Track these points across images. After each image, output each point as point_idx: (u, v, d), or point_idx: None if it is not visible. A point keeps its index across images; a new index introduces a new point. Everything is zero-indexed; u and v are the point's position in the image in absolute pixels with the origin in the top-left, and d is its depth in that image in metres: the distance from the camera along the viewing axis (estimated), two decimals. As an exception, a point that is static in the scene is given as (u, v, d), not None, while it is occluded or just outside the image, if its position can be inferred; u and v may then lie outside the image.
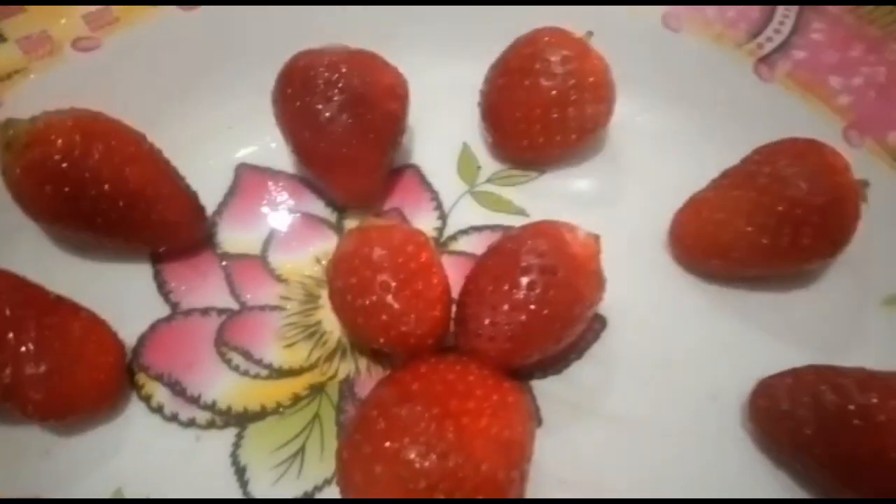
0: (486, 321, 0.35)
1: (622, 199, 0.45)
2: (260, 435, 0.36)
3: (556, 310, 0.34)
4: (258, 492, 0.34)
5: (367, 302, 0.34)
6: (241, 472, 0.35)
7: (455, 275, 0.37)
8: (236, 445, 0.35)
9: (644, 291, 0.41)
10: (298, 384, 0.37)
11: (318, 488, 0.34)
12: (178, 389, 0.37)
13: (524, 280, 0.34)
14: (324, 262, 0.41)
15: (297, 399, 0.37)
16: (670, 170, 0.45)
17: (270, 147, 0.45)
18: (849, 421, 0.33)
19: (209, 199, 0.42)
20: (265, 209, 0.43)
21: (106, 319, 0.36)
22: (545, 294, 0.34)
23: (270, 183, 0.44)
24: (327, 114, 0.39)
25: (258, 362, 0.38)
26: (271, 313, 0.39)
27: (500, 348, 0.34)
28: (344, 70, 0.39)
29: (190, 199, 0.40)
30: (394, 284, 0.34)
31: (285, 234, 0.42)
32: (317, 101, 0.39)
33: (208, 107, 0.46)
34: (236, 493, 0.34)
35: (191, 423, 0.36)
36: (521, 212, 0.44)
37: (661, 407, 0.37)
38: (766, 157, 0.40)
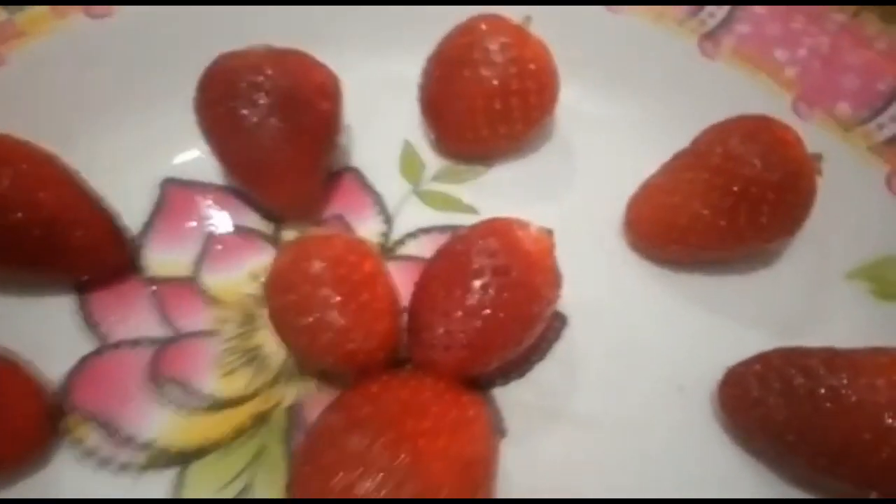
0: (440, 330, 0.32)
1: (574, 189, 0.43)
2: (202, 473, 0.33)
3: (512, 312, 0.32)
4: (204, 535, 0.31)
5: (310, 320, 0.31)
6: (184, 514, 0.32)
7: (405, 281, 0.35)
8: (178, 486, 0.32)
9: (603, 284, 0.39)
10: (241, 414, 0.34)
11: (269, 526, 0.32)
12: (111, 430, 0.33)
13: (476, 283, 0.32)
14: (262, 279, 0.38)
15: (240, 431, 0.34)
16: (621, 155, 0.43)
17: (198, 159, 0.41)
18: (820, 405, 0.31)
19: (134, 220, 0.39)
20: (195, 226, 0.40)
21: (28, 359, 0.33)
22: (500, 296, 0.32)
23: (199, 197, 0.41)
24: (254, 119, 0.36)
25: (196, 394, 0.35)
26: (207, 339, 0.36)
27: (456, 358, 0.32)
28: (269, 71, 0.37)
29: (110, 222, 0.37)
30: (337, 299, 0.31)
31: (218, 251, 0.39)
32: (241, 105, 0.36)
33: (128, 121, 0.42)
34: (181, 539, 0.31)
35: (126, 467, 0.33)
36: (470, 209, 0.42)
37: (628, 403, 0.36)
38: (716, 136, 0.38)
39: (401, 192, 0.42)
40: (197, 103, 0.38)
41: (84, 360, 0.35)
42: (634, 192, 0.40)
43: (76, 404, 0.34)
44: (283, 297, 0.32)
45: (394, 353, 0.34)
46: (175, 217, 0.40)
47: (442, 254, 0.35)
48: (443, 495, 0.27)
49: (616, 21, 0.47)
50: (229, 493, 0.32)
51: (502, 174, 0.43)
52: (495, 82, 0.40)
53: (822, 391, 0.32)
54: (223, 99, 0.37)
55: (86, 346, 0.36)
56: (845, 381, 0.31)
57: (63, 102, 0.42)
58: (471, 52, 0.40)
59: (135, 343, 0.36)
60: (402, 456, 0.27)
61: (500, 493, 0.32)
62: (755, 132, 0.37)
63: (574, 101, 0.44)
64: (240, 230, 0.40)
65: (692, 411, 0.36)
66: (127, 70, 0.43)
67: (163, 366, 0.35)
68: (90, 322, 0.36)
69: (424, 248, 0.40)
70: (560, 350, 0.37)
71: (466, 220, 0.37)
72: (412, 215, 0.41)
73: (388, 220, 0.41)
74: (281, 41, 0.39)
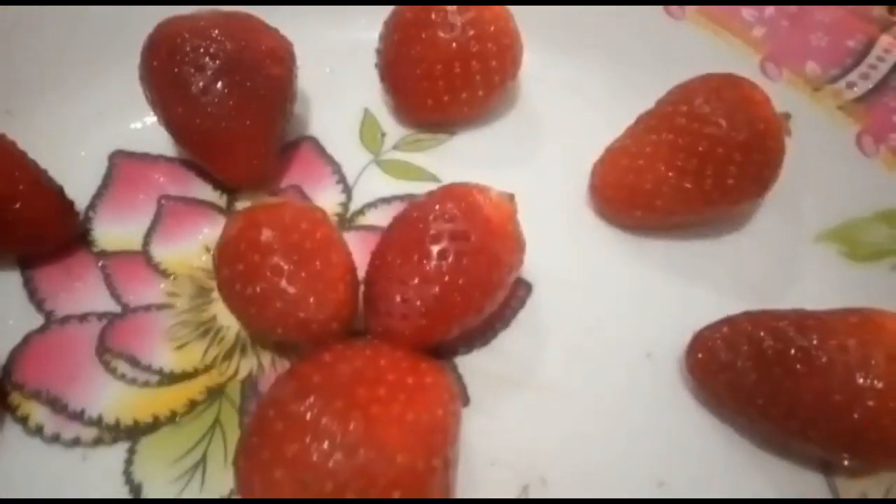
0: (397, 298, 0.32)
1: (539, 156, 0.42)
2: (154, 448, 0.32)
3: (472, 278, 0.32)
4: (156, 511, 0.31)
5: (258, 289, 0.31)
6: (136, 489, 0.31)
7: (364, 252, 0.34)
8: (129, 462, 0.32)
9: (568, 251, 0.39)
10: (194, 388, 0.33)
11: (227, 499, 0.31)
12: (58, 406, 0.33)
13: (434, 249, 0.32)
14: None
15: (193, 405, 0.33)
16: (586, 121, 0.43)
17: (146, 130, 0.40)
18: (791, 366, 0.31)
19: (81, 194, 0.38)
20: (145, 198, 0.39)
21: (-31, 337, 0.32)
22: (459, 262, 0.31)
23: (149, 169, 0.40)
24: (200, 83, 0.35)
25: (147, 368, 0.34)
26: (158, 313, 0.35)
27: (414, 326, 0.32)
28: (216, 34, 0.36)
29: (54, 194, 0.36)
30: (287, 267, 0.31)
31: (169, 224, 0.38)
32: (187, 70, 0.35)
33: (73, 93, 0.41)
34: (131, 515, 0.31)
35: (75, 443, 0.32)
36: (433, 178, 0.41)
37: (594, 371, 0.35)
38: (681, 96, 0.38)
39: (361, 161, 0.41)
40: (142, 70, 0.37)
41: (29, 337, 0.34)
42: (599, 156, 0.40)
43: (20, 382, 0.33)
44: (231, 266, 0.31)
45: (349, 323, 0.33)
46: (124, 190, 0.39)
47: (399, 221, 0.34)
48: (398, 461, 0.26)
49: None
50: (183, 468, 0.31)
51: (465, 142, 0.43)
52: (454, 45, 0.39)
53: (793, 352, 0.31)
54: (168, 64, 0.35)
55: (31, 322, 0.35)
56: (815, 343, 0.31)
57: (5, 77, 0.40)
58: (427, 13, 0.39)
59: (82, 318, 0.35)
60: (353, 423, 0.26)
61: (462, 463, 0.32)
62: (720, 90, 0.36)
63: (538, 67, 0.43)
64: (191, 202, 0.39)
65: (661, 378, 0.35)
66: (69, 38, 0.42)
67: (112, 340, 0.34)
68: (36, 298, 0.36)
69: (385, 217, 0.38)
70: (525, 318, 0.37)
71: (428, 188, 0.36)
72: (372, 185, 0.41)
73: (348, 190, 0.40)
74: (233, 8, 0.38)
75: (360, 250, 0.34)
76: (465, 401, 0.34)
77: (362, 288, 0.34)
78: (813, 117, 0.40)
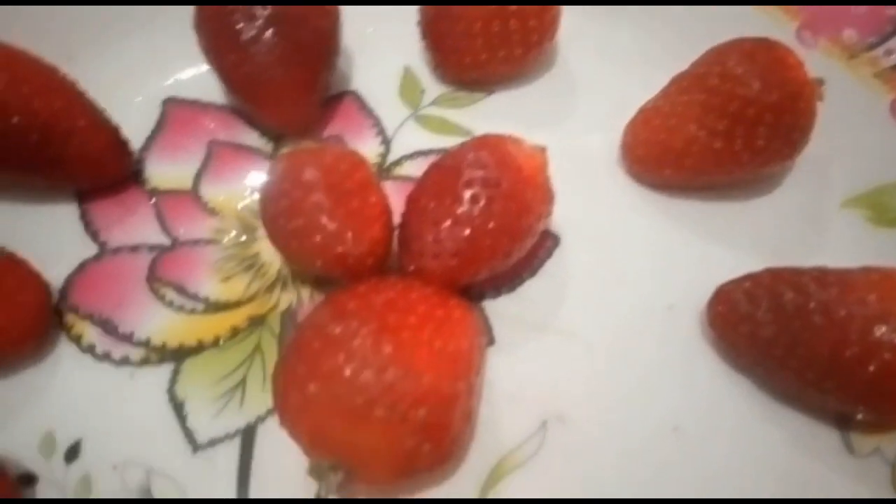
0: (429, 238, 0.33)
1: (573, 116, 0.44)
2: (197, 369, 0.34)
3: (502, 222, 0.33)
4: (198, 426, 0.33)
5: (300, 223, 0.33)
6: (178, 407, 0.34)
7: (400, 200, 0.36)
8: (173, 381, 0.34)
9: (597, 207, 0.40)
10: (237, 317, 0.36)
11: (261, 419, 0.34)
12: (109, 328, 0.35)
13: (467, 193, 0.33)
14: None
15: (236, 332, 0.36)
16: (621, 83, 0.44)
17: (199, 78, 0.43)
18: (809, 319, 0.32)
19: (136, 136, 0.41)
20: (195, 143, 0.41)
21: (30, 261, 0.35)
22: (490, 207, 0.33)
23: (200, 115, 0.42)
24: (251, 33, 0.37)
25: (193, 297, 0.36)
26: (206, 247, 0.38)
27: (445, 265, 0.33)
28: (266, -15, 0.38)
29: (111, 131, 0.38)
30: (327, 204, 0.33)
31: (218, 166, 0.41)
32: (238, 19, 0.37)
33: (130, 43, 0.44)
34: (175, 429, 0.33)
35: (124, 362, 0.35)
36: (468, 133, 0.42)
37: (616, 320, 0.37)
38: (715, 58, 0.38)
39: (400, 115, 0.43)
40: (196, 19, 0.39)
41: (84, 264, 0.37)
42: (632, 116, 0.41)
43: (75, 304, 0.36)
44: (276, 203, 0.34)
45: (383, 261, 0.35)
46: (176, 133, 0.42)
47: (434, 167, 0.36)
48: (424, 382, 0.28)
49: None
50: (223, 388, 0.34)
51: (502, 100, 0.44)
52: (494, 4, 0.40)
53: (812, 305, 0.32)
54: (220, 13, 0.38)
55: (86, 251, 0.38)
56: (835, 296, 0.32)
57: (64, 20, 0.43)
58: (468, -29, 0.41)
59: (134, 249, 0.38)
60: (384, 345, 0.28)
61: (485, 397, 0.34)
62: (754, 53, 0.37)
63: (576, 28, 0.45)
64: (239, 147, 0.41)
65: (680, 329, 0.36)
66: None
67: (161, 270, 0.37)
68: (91, 229, 0.38)
69: (421, 169, 0.40)
70: (551, 268, 0.38)
71: (464, 142, 0.38)
72: (410, 138, 0.42)
73: (386, 142, 0.42)
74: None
75: (396, 198, 0.36)
76: (491, 340, 0.36)
77: (397, 232, 0.36)
78: (847, 84, 0.41)
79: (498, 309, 0.37)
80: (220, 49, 0.39)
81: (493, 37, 0.41)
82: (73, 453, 0.33)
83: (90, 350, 0.35)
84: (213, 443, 0.33)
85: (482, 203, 0.33)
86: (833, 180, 0.40)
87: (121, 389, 0.34)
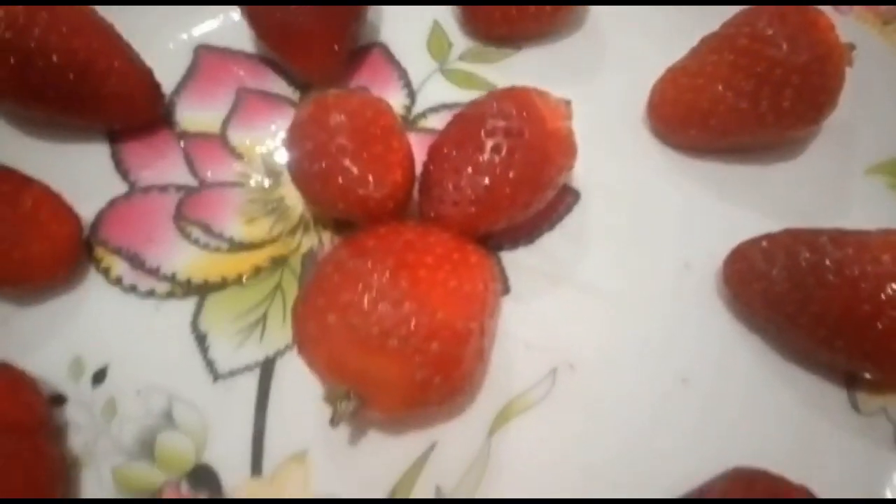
0: (450, 186, 0.35)
1: (601, 74, 0.45)
2: (220, 304, 0.37)
3: (523, 172, 0.35)
4: (219, 357, 0.35)
5: (324, 165, 0.34)
6: (201, 338, 0.36)
7: (423, 152, 0.37)
8: (196, 314, 0.36)
9: (620, 165, 0.41)
10: (260, 257, 0.38)
11: (280, 353, 0.36)
12: (136, 262, 0.38)
13: (489, 143, 0.35)
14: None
15: (258, 271, 0.37)
16: (651, 44, 0.45)
17: (230, 26, 0.45)
18: (823, 276, 0.33)
19: (167, 82, 0.42)
20: (224, 89, 0.43)
21: (63, 196, 0.37)
22: (511, 156, 0.35)
23: (230, 63, 0.44)
24: (283, -20, 0.39)
25: (218, 236, 0.38)
26: (232, 190, 0.40)
27: (464, 213, 0.35)
28: (299, -67, 0.39)
29: (144, 75, 0.40)
30: (351, 147, 0.34)
31: (246, 112, 0.42)
32: (271, -33, 0.39)
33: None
34: (196, 359, 0.35)
35: (150, 294, 0.37)
36: (494, 88, 0.44)
37: (631, 275, 0.38)
38: (746, 18, 0.39)
39: (427, 69, 0.45)
40: (229, -34, 0.41)
41: (114, 201, 0.39)
42: (660, 75, 0.42)
43: (105, 238, 0.38)
44: (301, 145, 0.35)
45: (403, 207, 0.36)
46: (207, 80, 0.43)
47: (458, 117, 0.37)
48: (437, 317, 0.29)
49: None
50: (245, 322, 0.36)
51: (529, 57, 0.45)
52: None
53: (826, 263, 0.33)
54: (254, -38, 0.39)
55: (117, 189, 0.40)
56: (850, 255, 0.33)
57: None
58: (501, -73, 0.42)
59: (163, 188, 0.40)
60: (401, 280, 0.30)
61: (498, 343, 0.35)
62: (785, 15, 0.38)
63: (607, -13, 0.46)
64: (267, 95, 0.43)
65: (696, 287, 0.38)
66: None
67: (188, 210, 0.39)
68: (122, 168, 0.40)
69: (445, 122, 0.41)
70: (570, 223, 0.39)
71: (490, 97, 0.39)
72: (436, 91, 0.44)
73: (412, 95, 0.44)
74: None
75: (419, 149, 0.38)
76: (506, 289, 0.37)
77: (419, 181, 0.37)
78: (879, 51, 0.42)
79: (515, 260, 0.38)
80: (253, -3, 0.40)
81: (523, -8, 0.42)
82: (99, 377, 0.35)
83: (118, 282, 0.37)
84: (232, 373, 0.35)
85: (504, 153, 0.35)
86: (858, 147, 0.41)
87: (146, 320, 0.36)
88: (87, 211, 0.38)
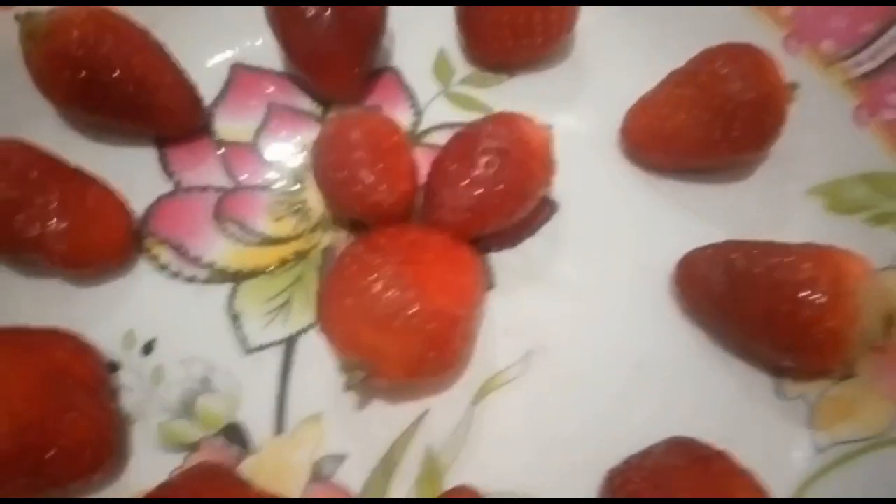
0: (448, 195, 0.42)
1: (582, 100, 0.52)
2: (252, 289, 0.44)
3: (509, 186, 0.42)
4: (250, 334, 0.43)
5: (344, 175, 0.41)
6: (235, 318, 0.43)
7: (427, 163, 0.45)
8: (231, 297, 0.44)
9: (593, 181, 0.48)
10: (286, 250, 0.45)
11: (302, 331, 0.43)
12: (181, 251, 0.45)
13: (482, 160, 0.42)
14: (310, 150, 0.48)
15: (284, 262, 0.45)
16: (627, 73, 0.51)
17: (262, 48, 0.52)
18: (753, 280, 0.40)
19: (206, 95, 0.50)
20: (257, 103, 0.51)
21: (118, 192, 0.44)
22: (500, 172, 0.42)
23: (262, 80, 0.51)
24: (313, 11, 0.46)
25: (251, 231, 0.46)
26: (262, 192, 0.47)
27: (460, 218, 0.42)
28: (327, -29, 0.46)
29: (189, 90, 0.47)
30: (368, 160, 0.41)
31: (275, 125, 0.50)
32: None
33: (205, 12, 0.52)
34: (231, 335, 0.43)
35: (192, 280, 0.44)
36: (489, 110, 0.51)
37: (598, 275, 0.45)
38: (706, 58, 0.46)
39: (432, 91, 0.52)
40: (267, -2, 0.48)
41: (161, 199, 0.47)
42: (633, 104, 0.49)
43: (153, 230, 0.46)
44: (326, 157, 0.43)
45: (409, 211, 0.44)
46: (241, 95, 0.51)
47: (456, 137, 0.45)
48: (435, 301, 0.37)
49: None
50: (273, 305, 0.43)
51: (521, 83, 0.53)
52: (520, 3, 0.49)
53: (757, 270, 0.40)
54: (289, -5, 0.47)
55: (163, 188, 0.47)
56: (776, 263, 0.40)
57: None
58: (500, -30, 0.49)
59: (203, 189, 0.47)
60: (407, 272, 0.37)
61: (483, 328, 0.43)
62: (738, 56, 0.45)
63: (592, 23, 0.53)
64: (294, 110, 0.51)
65: (652, 286, 0.45)
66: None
67: (225, 208, 0.46)
68: (167, 170, 0.48)
69: (446, 138, 0.48)
70: (548, 230, 0.47)
71: (485, 118, 0.46)
72: (440, 112, 0.51)
73: (418, 114, 0.51)
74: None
75: (423, 161, 0.45)
76: (492, 284, 0.45)
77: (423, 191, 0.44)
78: (819, 89, 0.49)
79: (500, 260, 0.46)
80: (286, 23, 0.48)
81: (518, 27, 0.49)
82: (148, 349, 0.42)
83: (164, 268, 0.45)
84: (261, 347, 0.43)
85: (494, 168, 0.42)
86: (798, 171, 0.48)
87: (188, 301, 0.44)
88: (138, 206, 0.46)
